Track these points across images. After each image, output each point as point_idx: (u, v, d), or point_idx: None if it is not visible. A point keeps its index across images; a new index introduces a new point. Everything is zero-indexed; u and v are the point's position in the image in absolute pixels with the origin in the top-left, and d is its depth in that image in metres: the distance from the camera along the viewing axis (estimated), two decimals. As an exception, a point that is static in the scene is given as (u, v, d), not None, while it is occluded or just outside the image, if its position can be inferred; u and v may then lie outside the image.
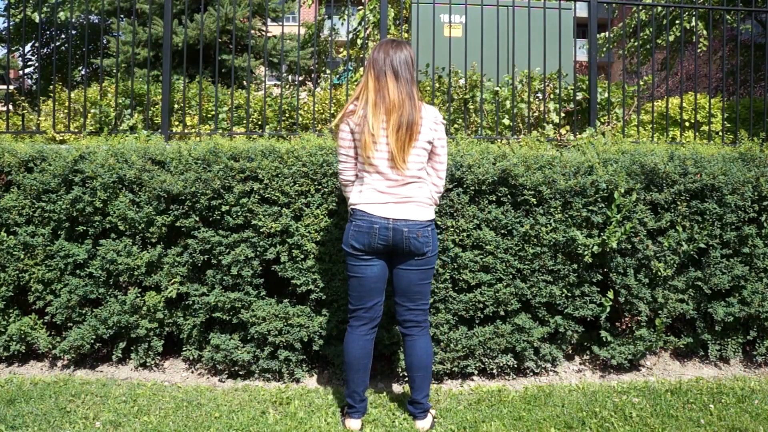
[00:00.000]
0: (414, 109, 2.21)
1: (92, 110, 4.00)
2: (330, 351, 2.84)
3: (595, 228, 2.85)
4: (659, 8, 7.93)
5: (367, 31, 6.61)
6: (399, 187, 2.22)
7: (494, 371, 2.89)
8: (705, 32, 8.62)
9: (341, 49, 10.25)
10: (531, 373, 2.95)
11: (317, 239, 2.77)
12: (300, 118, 4.41)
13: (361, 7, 4.09)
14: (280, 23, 13.63)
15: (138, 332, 2.83)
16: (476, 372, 2.90)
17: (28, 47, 13.08)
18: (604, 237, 2.80)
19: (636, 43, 5.86)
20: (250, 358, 2.78)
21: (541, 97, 4.34)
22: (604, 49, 10.02)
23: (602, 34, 10.21)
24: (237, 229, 2.77)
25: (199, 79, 4.29)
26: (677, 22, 8.71)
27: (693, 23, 8.07)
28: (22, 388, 2.67)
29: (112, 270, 2.82)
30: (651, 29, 9.04)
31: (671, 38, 9.09)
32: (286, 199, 2.76)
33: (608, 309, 2.90)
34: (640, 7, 8.21)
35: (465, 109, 4.16)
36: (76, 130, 3.87)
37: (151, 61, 10.18)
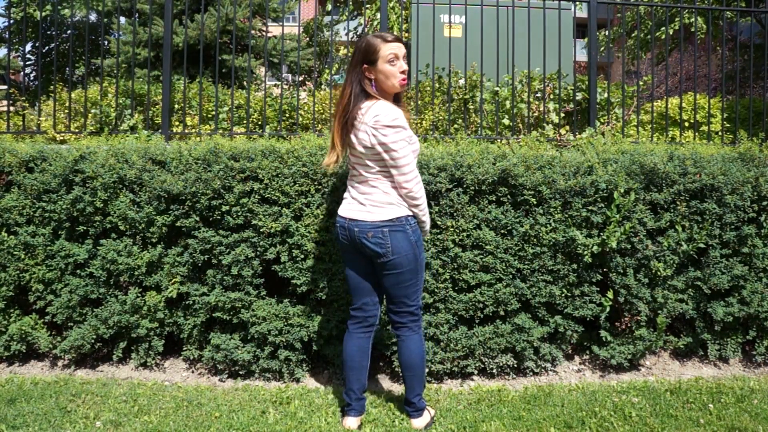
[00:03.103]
0: (352, 105, 2.18)
1: (93, 110, 4.00)
2: (330, 351, 2.85)
3: (595, 228, 2.86)
4: (660, 8, 7.93)
5: (372, 29, 6.61)
6: (358, 184, 2.25)
7: (494, 371, 2.89)
8: (704, 27, 8.63)
9: (342, 48, 10.24)
10: (531, 373, 2.95)
11: (317, 239, 2.78)
12: (300, 118, 4.41)
13: (367, 6, 4.10)
14: (281, 23, 13.62)
15: (138, 332, 2.84)
16: (476, 372, 2.91)
17: (28, 47, 13.08)
18: (604, 237, 2.80)
19: (636, 37, 5.85)
20: (250, 357, 2.78)
21: (540, 97, 4.35)
22: (603, 47, 10.02)
23: (601, 32, 10.21)
24: (237, 229, 2.78)
25: (199, 79, 4.30)
26: (677, 19, 8.72)
27: (692, 19, 8.07)
28: (22, 388, 2.67)
29: (112, 270, 2.82)
30: (650, 23, 9.03)
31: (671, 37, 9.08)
32: (286, 199, 2.76)
33: (608, 309, 2.90)
34: (641, 7, 8.22)
35: (465, 109, 4.17)
36: (77, 130, 3.88)
37: (152, 61, 10.18)
